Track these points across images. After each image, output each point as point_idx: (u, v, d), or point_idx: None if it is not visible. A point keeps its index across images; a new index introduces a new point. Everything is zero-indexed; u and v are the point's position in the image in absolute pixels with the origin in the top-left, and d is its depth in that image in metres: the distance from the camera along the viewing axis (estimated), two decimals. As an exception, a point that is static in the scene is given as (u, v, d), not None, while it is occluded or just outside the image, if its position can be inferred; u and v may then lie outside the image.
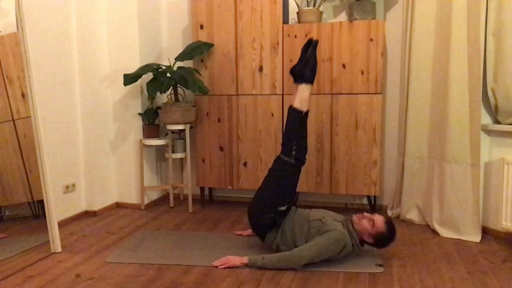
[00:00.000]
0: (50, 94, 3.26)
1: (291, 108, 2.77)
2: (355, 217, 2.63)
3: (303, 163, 2.76)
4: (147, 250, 2.82)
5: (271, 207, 2.66)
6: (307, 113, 2.77)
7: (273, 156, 3.59)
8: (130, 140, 3.81)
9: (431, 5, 3.18)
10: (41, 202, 2.88)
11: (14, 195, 3.01)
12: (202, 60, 3.71)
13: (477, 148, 2.94)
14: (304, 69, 2.76)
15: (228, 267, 2.54)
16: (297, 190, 3.58)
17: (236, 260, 2.56)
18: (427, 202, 3.28)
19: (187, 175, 3.93)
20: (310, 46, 2.78)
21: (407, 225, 3.31)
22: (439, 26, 3.14)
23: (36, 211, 3.17)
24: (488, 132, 3.06)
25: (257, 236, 2.80)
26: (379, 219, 2.58)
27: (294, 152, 2.69)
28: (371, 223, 2.57)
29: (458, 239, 3.01)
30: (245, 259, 2.55)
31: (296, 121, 2.74)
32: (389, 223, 2.60)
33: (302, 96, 2.75)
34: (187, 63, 3.85)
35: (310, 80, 2.77)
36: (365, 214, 2.63)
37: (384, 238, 2.57)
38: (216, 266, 2.55)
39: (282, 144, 2.75)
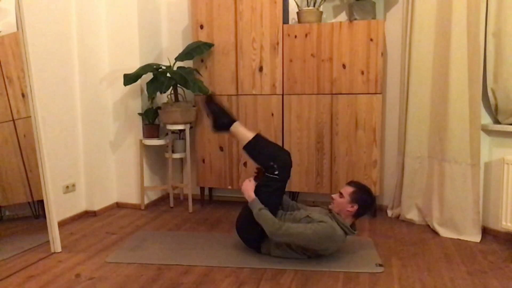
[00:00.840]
0: (50, 94, 3.26)
1: (245, 147, 2.79)
2: (330, 206, 2.70)
3: (288, 177, 2.73)
4: (147, 250, 2.82)
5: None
6: (256, 136, 2.80)
7: (273, 156, 3.59)
8: (130, 140, 3.81)
9: (431, 5, 3.18)
10: (41, 202, 2.88)
11: (14, 195, 3.01)
12: (202, 60, 3.71)
13: (477, 148, 2.94)
14: (222, 119, 2.87)
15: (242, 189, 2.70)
16: (297, 190, 3.60)
17: (249, 189, 2.67)
18: (427, 202, 3.28)
19: (187, 175, 3.94)
20: (210, 102, 2.92)
21: (407, 225, 3.31)
22: (439, 26, 3.14)
23: (36, 211, 3.17)
24: (488, 132, 3.06)
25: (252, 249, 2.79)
26: (344, 187, 2.68)
27: (276, 171, 2.67)
28: (340, 195, 2.64)
29: (458, 239, 3.01)
30: (252, 197, 2.64)
31: (256, 150, 2.77)
32: (354, 182, 2.69)
33: (241, 133, 2.83)
34: (187, 63, 3.85)
35: (232, 121, 2.86)
36: (332, 196, 2.70)
37: (361, 196, 2.61)
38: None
39: (264, 168, 2.74)
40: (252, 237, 2.72)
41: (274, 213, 2.64)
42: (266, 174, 2.69)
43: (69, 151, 3.46)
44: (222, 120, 2.86)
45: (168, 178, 3.86)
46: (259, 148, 2.77)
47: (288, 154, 2.75)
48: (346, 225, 2.61)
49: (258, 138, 2.80)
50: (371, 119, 3.37)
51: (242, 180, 3.67)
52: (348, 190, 2.65)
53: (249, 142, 2.77)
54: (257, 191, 2.68)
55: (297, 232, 2.50)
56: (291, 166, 2.74)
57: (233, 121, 2.86)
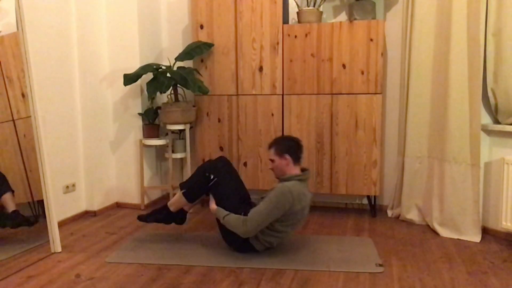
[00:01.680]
0: (50, 94, 3.26)
1: (183, 191, 2.78)
2: (276, 178, 2.77)
3: (227, 171, 2.78)
4: (147, 250, 2.82)
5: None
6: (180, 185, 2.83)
7: (273, 156, 3.59)
8: (130, 140, 3.81)
9: (431, 5, 3.18)
10: (41, 202, 2.88)
11: (14, 195, 3.01)
12: (202, 60, 3.71)
13: (477, 148, 2.94)
14: (166, 217, 2.88)
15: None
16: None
17: (210, 204, 2.72)
18: (427, 202, 3.28)
19: (187, 175, 3.93)
20: (145, 219, 2.90)
21: (407, 225, 3.31)
22: (439, 26, 3.14)
23: (36, 211, 3.17)
24: (488, 132, 3.06)
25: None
26: (268, 153, 2.76)
27: (211, 175, 2.72)
28: (271, 161, 2.72)
29: (458, 239, 3.01)
30: (214, 208, 2.69)
31: (190, 182, 2.79)
32: (271, 142, 2.76)
33: (175, 199, 2.84)
34: (187, 63, 3.85)
35: (168, 212, 2.87)
36: (269, 167, 2.77)
37: (283, 146, 2.69)
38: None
39: (207, 185, 2.76)
40: (239, 241, 2.70)
41: (239, 211, 2.66)
42: (210, 186, 2.72)
43: (69, 151, 3.46)
44: (166, 216, 2.87)
45: (168, 178, 3.86)
46: (189, 181, 2.80)
47: (210, 160, 2.81)
48: (296, 174, 2.67)
49: (181, 184, 2.83)
50: (371, 119, 3.37)
51: (242, 180, 3.66)
52: (271, 152, 2.73)
53: (181, 188, 2.79)
54: (217, 203, 2.71)
55: (259, 211, 2.54)
56: (222, 162, 2.78)
57: (168, 210, 2.86)
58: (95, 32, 3.63)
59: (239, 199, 2.75)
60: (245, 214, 2.60)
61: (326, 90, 3.45)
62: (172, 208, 2.84)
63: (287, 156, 2.68)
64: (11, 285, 2.36)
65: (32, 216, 2.93)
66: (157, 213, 2.89)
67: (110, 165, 3.83)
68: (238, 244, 2.73)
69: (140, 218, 2.92)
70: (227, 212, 2.64)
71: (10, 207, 2.91)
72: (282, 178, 2.70)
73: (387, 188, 3.72)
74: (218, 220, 2.73)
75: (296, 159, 2.70)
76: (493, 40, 2.97)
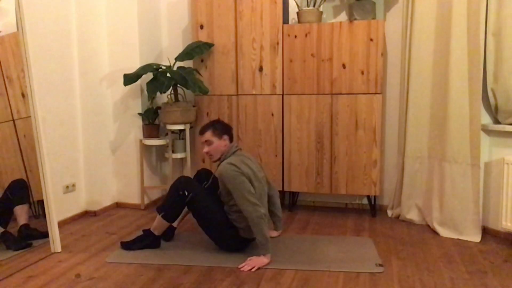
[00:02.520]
0: (50, 94, 3.26)
1: (161, 214, 2.77)
2: (213, 161, 2.83)
3: (197, 185, 2.76)
4: (147, 250, 2.82)
5: (225, 225, 2.68)
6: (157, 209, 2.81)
7: (273, 156, 3.59)
8: (130, 140, 3.81)
9: (431, 5, 3.18)
10: (41, 202, 2.88)
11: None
12: (202, 60, 3.71)
13: (477, 148, 2.94)
14: (151, 242, 2.85)
15: (256, 268, 2.53)
16: (297, 190, 3.60)
17: (261, 263, 2.55)
18: (427, 202, 3.28)
19: (187, 175, 3.94)
20: (128, 246, 2.86)
21: (407, 225, 3.32)
22: (439, 26, 3.14)
23: (36, 211, 3.17)
24: (488, 132, 3.06)
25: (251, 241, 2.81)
26: (203, 138, 2.78)
27: (185, 192, 2.68)
28: (207, 143, 2.75)
29: (458, 239, 3.01)
30: (267, 257, 2.56)
31: (167, 204, 2.75)
32: (202, 128, 2.80)
33: (157, 224, 2.81)
34: (187, 63, 3.85)
35: (151, 234, 2.85)
36: (204, 151, 2.78)
37: (220, 129, 2.76)
38: (243, 269, 2.53)
39: (184, 204, 2.74)
40: (230, 238, 2.70)
41: (223, 215, 2.68)
42: (187, 203, 2.70)
43: (69, 151, 3.46)
44: (153, 241, 2.85)
45: (168, 178, 3.86)
46: (165, 203, 2.77)
47: (179, 178, 2.76)
48: (228, 152, 2.75)
49: (157, 208, 2.81)
50: (371, 119, 3.37)
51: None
52: (208, 135, 2.75)
53: (159, 213, 2.77)
54: (200, 217, 2.70)
55: (242, 195, 2.54)
56: (186, 179, 2.75)
57: (154, 236, 2.84)
58: (95, 32, 3.63)
59: (219, 204, 2.74)
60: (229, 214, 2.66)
61: (326, 90, 3.45)
62: (156, 232, 2.83)
63: (226, 136, 2.76)
64: (11, 285, 2.36)
65: (31, 241, 2.89)
66: (143, 239, 2.84)
67: (110, 165, 3.83)
68: (226, 242, 2.72)
69: (124, 245, 2.85)
70: (260, 242, 2.54)
71: (21, 220, 2.88)
72: (221, 160, 2.75)
73: (387, 188, 3.72)
74: (203, 226, 2.72)
75: (231, 139, 2.81)
76: (493, 40, 2.97)
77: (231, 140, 2.81)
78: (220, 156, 2.78)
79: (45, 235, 2.87)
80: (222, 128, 2.77)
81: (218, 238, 2.74)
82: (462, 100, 2.99)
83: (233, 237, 2.70)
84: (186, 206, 2.71)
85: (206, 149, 2.78)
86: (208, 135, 2.76)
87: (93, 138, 3.61)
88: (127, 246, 2.85)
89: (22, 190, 2.90)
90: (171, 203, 2.73)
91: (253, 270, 2.50)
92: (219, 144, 2.75)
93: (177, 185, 2.71)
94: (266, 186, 2.80)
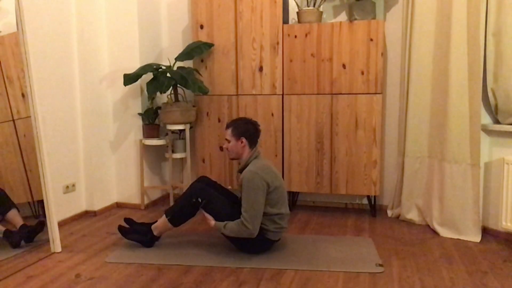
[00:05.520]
0: (50, 94, 3.26)
1: (169, 218, 2.79)
2: (230, 158, 2.83)
3: (209, 191, 2.78)
4: (147, 250, 2.82)
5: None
6: (165, 212, 2.82)
7: (273, 156, 3.59)
8: (130, 140, 3.81)
9: (431, 5, 3.18)
10: (41, 202, 2.88)
11: (14, 195, 3.01)
12: (202, 60, 3.71)
13: (477, 148, 2.94)
14: (145, 241, 2.86)
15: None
16: (297, 190, 3.60)
17: (207, 221, 2.71)
18: (427, 202, 3.28)
19: (187, 175, 3.94)
20: (126, 232, 2.90)
21: (407, 225, 3.32)
22: (439, 26, 3.14)
23: (36, 211, 3.17)
24: (488, 132, 3.06)
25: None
26: (225, 132, 2.80)
27: (199, 199, 2.71)
28: (227, 141, 2.76)
29: (458, 239, 3.01)
30: (212, 224, 2.68)
31: (176, 209, 2.78)
32: (229, 122, 2.80)
33: (160, 224, 2.83)
34: (187, 63, 3.85)
35: (150, 236, 2.86)
36: (223, 146, 2.83)
37: (240, 129, 2.74)
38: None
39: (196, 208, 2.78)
40: (252, 241, 2.69)
41: (236, 216, 2.67)
42: (201, 208, 2.74)
43: (69, 151, 3.46)
44: (150, 240, 2.86)
45: (168, 178, 3.86)
46: (175, 207, 2.80)
47: (192, 184, 2.82)
48: (250, 156, 2.73)
49: (166, 211, 2.83)
50: (371, 119, 3.37)
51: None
52: (228, 132, 2.77)
53: (166, 215, 2.79)
54: (215, 218, 2.71)
55: (247, 207, 2.56)
56: (202, 183, 2.82)
57: (152, 234, 2.85)
58: (95, 32, 3.63)
59: (231, 206, 2.74)
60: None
61: (326, 90, 3.45)
62: (155, 232, 2.84)
63: (243, 139, 2.73)
64: (11, 285, 2.36)
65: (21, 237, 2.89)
66: (140, 233, 2.86)
67: (110, 165, 3.83)
68: (253, 245, 2.71)
69: (121, 230, 2.89)
70: (224, 222, 2.64)
71: (18, 223, 2.90)
72: (240, 167, 2.76)
73: (387, 188, 3.72)
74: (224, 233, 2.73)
75: (252, 143, 2.76)
76: (493, 40, 2.97)
77: (251, 144, 2.76)
78: (237, 156, 2.79)
79: (43, 224, 2.90)
80: (242, 129, 2.74)
81: (240, 239, 2.69)
82: (462, 100, 2.99)
83: (256, 238, 2.66)
84: (203, 211, 2.75)
85: (225, 145, 2.81)
86: (228, 133, 2.77)
87: (93, 138, 3.61)
88: (124, 232, 2.89)
89: (4, 199, 2.92)
90: (181, 208, 2.76)
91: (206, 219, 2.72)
92: (236, 145, 2.75)
93: (190, 191, 2.75)
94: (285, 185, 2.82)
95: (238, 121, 2.79)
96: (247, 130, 2.74)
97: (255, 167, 2.65)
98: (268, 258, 2.67)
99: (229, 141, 2.77)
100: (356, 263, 2.58)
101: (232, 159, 2.83)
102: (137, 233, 2.87)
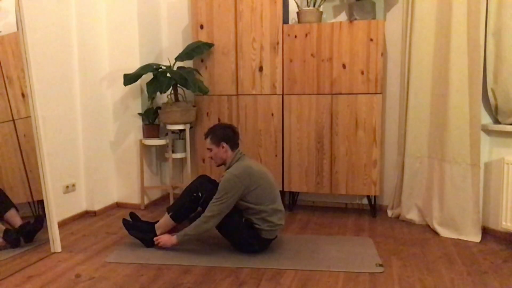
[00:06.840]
0: (50, 94, 3.26)
1: (172, 216, 2.84)
2: (216, 166, 2.88)
3: (208, 186, 2.81)
4: (147, 250, 2.82)
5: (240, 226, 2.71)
6: (167, 209, 2.88)
7: (273, 156, 3.59)
8: (130, 140, 3.81)
9: (431, 5, 3.18)
10: (41, 202, 2.88)
11: (14, 195, 3.01)
12: (202, 60, 3.71)
13: (477, 148, 2.94)
14: (146, 240, 2.89)
15: (161, 246, 2.77)
16: (297, 190, 3.60)
17: (167, 241, 2.75)
18: (427, 202, 3.28)
19: (187, 175, 3.94)
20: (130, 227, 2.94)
21: (407, 225, 3.31)
22: (439, 26, 3.14)
23: (36, 211, 3.17)
24: (488, 132, 3.06)
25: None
26: (205, 142, 2.84)
27: (200, 193, 2.77)
28: (209, 150, 2.81)
29: (458, 239, 3.01)
30: (174, 240, 2.73)
31: (178, 205, 2.84)
32: (207, 131, 2.84)
33: (163, 223, 2.87)
34: (187, 63, 3.85)
35: (149, 239, 2.88)
36: (208, 156, 2.91)
37: (218, 135, 2.77)
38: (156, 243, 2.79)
39: (198, 204, 2.82)
40: (246, 237, 2.70)
41: (241, 216, 2.71)
42: (201, 205, 2.76)
43: (69, 151, 3.46)
44: (146, 239, 2.88)
45: (168, 178, 3.86)
46: (176, 204, 2.85)
47: (192, 182, 2.87)
48: (232, 159, 2.78)
49: (168, 208, 2.88)
50: (371, 119, 3.37)
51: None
52: (208, 142, 2.81)
53: (168, 212, 2.85)
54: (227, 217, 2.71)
55: (212, 203, 2.61)
56: (202, 179, 2.88)
57: (153, 230, 2.88)
58: (95, 32, 3.63)
59: (235, 207, 2.73)
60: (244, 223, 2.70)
61: (326, 90, 3.45)
62: (158, 232, 2.87)
63: (224, 144, 2.77)
64: (11, 285, 2.36)
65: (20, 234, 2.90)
66: (143, 232, 2.89)
67: (110, 165, 3.83)
68: (250, 245, 2.72)
69: (125, 224, 2.93)
70: (182, 232, 2.70)
71: (17, 222, 2.90)
72: (225, 167, 2.79)
73: (387, 188, 3.72)
74: (220, 229, 2.73)
75: (233, 146, 2.80)
76: (493, 40, 2.97)
77: (232, 146, 2.79)
78: (222, 162, 2.82)
79: (42, 221, 2.90)
80: (220, 135, 2.78)
81: (238, 240, 2.72)
82: (462, 100, 2.99)
83: (252, 238, 2.69)
84: (200, 207, 2.78)
85: (208, 154, 2.85)
86: (208, 142, 2.82)
87: (93, 138, 3.61)
88: (128, 225, 2.92)
89: (2, 198, 2.92)
90: (182, 204, 2.82)
91: (159, 245, 2.76)
92: (218, 151, 2.79)
93: (191, 187, 2.81)
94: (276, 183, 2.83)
95: (215, 128, 2.83)
96: (225, 134, 2.78)
97: (236, 169, 2.67)
98: (268, 258, 2.67)
99: (211, 150, 2.81)
100: (356, 263, 2.58)
101: (219, 165, 2.85)
102: (140, 231, 2.90)
